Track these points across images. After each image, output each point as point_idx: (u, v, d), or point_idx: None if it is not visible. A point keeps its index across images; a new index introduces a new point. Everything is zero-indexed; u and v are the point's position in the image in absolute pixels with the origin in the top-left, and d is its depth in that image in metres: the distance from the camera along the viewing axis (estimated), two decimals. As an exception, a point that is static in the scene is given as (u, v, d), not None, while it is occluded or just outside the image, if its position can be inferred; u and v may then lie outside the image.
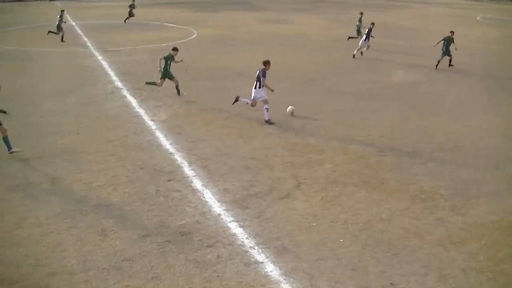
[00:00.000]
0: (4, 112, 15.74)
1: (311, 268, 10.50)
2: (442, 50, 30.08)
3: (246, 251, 11.03)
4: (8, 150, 16.20)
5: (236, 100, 20.48)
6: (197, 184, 14.22)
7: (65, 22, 38.79)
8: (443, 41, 30.12)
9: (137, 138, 17.85)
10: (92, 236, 11.66)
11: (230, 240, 11.46)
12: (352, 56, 32.69)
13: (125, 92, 23.73)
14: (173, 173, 14.88)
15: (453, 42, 29.98)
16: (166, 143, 17.27)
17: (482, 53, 36.78)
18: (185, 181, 14.39)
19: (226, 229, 11.95)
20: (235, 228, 11.96)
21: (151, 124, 19.25)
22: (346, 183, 14.52)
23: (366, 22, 34.57)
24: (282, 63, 28.37)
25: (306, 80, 26.85)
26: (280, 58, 29.39)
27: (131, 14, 48.23)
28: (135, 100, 22.28)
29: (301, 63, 31.12)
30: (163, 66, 22.43)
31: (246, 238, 11.55)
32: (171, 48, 22.89)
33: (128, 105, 21.73)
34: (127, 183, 14.29)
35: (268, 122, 19.56)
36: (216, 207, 12.97)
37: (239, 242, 11.38)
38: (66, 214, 12.61)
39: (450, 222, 12.58)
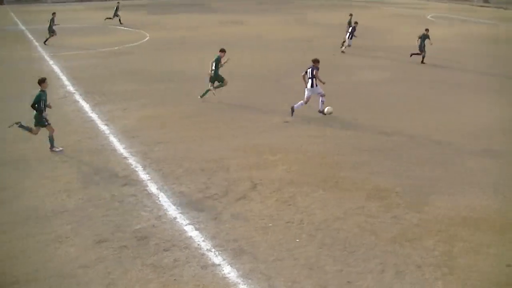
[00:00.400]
0: None
1: (268, 269, 10.48)
2: (419, 46, 31.69)
3: (203, 254, 10.97)
4: (51, 148, 16.88)
5: (293, 110, 20.77)
6: (152, 187, 14.11)
7: (56, 25, 38.35)
8: (420, 38, 31.70)
9: (90, 143, 17.64)
10: (47, 244, 11.48)
11: (187, 243, 11.38)
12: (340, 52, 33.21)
13: (77, 96, 23.44)
14: (128, 178, 14.75)
15: (428, 38, 31.62)
16: (120, 148, 17.11)
17: (435, 51, 37.21)
18: (140, 185, 14.27)
19: (182, 232, 11.87)
20: (192, 231, 11.89)
21: (104, 128, 19.05)
22: (302, 183, 14.54)
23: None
24: (239, 64, 28.33)
25: (264, 80, 26.86)
26: (237, 59, 29.29)
27: (116, 15, 48.46)
28: (87, 105, 22.03)
29: (259, 63, 31.14)
30: (213, 69, 22.31)
31: (203, 240, 11.49)
32: (219, 50, 22.75)
33: (80, 109, 21.48)
34: (81, 189, 14.12)
35: (322, 112, 20.78)
36: (172, 210, 12.88)
37: (196, 245, 11.31)
38: (20, 222, 12.39)
39: (406, 219, 12.68)
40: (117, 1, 50.28)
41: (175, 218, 12.50)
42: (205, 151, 16.93)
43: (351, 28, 35.41)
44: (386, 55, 34.39)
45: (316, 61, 21.00)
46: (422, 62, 31.89)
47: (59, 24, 38.96)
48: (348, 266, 10.64)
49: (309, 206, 13.20)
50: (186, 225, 12.17)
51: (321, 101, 20.90)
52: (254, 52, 35.24)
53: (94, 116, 20.52)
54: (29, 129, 16.86)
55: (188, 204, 13.19)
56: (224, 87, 22.84)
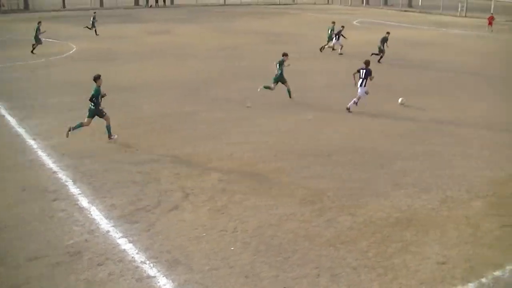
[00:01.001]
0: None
1: (204, 278, 10.43)
2: (380, 48, 35.37)
3: (138, 267, 10.85)
4: (109, 137, 18.62)
5: (349, 109, 22.71)
6: (83, 201, 13.87)
7: (42, 33, 38.31)
8: (382, 40, 35.41)
9: (18, 158, 17.24)
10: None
11: (121, 257, 11.23)
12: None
13: (2, 111, 22.88)
14: (58, 192, 14.45)
15: (386, 41, 35.47)
16: (49, 162, 16.77)
17: (361, 56, 37.80)
18: (71, 200, 14.01)
19: (115, 245, 11.71)
20: (125, 244, 11.74)
21: (32, 143, 18.64)
22: (234, 191, 14.55)
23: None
24: (167, 74, 28.29)
25: (190, 89, 26.78)
26: (165, 69, 29.32)
27: (93, 26, 48.41)
28: (14, 119, 21.53)
29: (185, 72, 31.04)
30: (278, 71, 24.01)
31: (137, 253, 11.36)
32: (282, 54, 24.41)
33: (7, 124, 20.97)
34: (9, 207, 13.74)
35: (348, 110, 22.69)
36: (104, 224, 12.69)
37: (130, 258, 11.17)
38: None
39: (339, 222, 12.82)
40: (93, 11, 51.20)
41: (108, 231, 12.32)
42: (136, 162, 16.75)
43: (338, 31, 38.84)
44: (314, 60, 34.77)
45: (367, 63, 22.95)
46: (378, 61, 34.71)
47: (45, 32, 38.62)
48: (284, 272, 10.67)
49: (242, 214, 13.21)
50: (119, 238, 12.01)
51: (355, 101, 22.75)
52: (181, 61, 35.12)
53: (21, 130, 20.06)
54: (80, 125, 18.48)
55: (120, 217, 13.02)
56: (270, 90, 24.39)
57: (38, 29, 38.03)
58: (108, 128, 18.63)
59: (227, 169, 16.20)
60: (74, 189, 14.64)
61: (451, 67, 34.68)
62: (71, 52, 38.86)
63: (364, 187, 14.98)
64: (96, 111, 18.39)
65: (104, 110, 18.54)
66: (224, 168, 16.24)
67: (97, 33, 48.24)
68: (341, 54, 38.64)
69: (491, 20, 60.39)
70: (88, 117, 18.48)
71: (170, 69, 31.41)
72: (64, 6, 74.73)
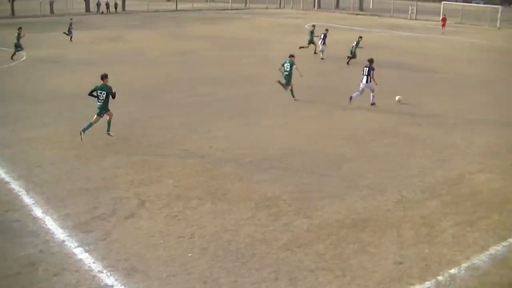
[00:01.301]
0: None
1: (162, 285, 10.36)
2: (351, 51, 37.13)
3: (94, 276, 10.70)
4: (107, 132, 19.46)
5: (351, 98, 24.46)
6: (37, 211, 13.63)
7: (22, 37, 38.40)
8: (355, 43, 37.30)
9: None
10: None
11: (77, 266, 11.06)
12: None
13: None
14: (11, 203, 14.17)
15: (358, 43, 37.28)
16: (1, 172, 16.45)
17: (310, 59, 38.17)
18: (25, 210, 13.75)
19: (71, 255, 11.54)
20: (81, 254, 11.57)
21: (-18, 154, 18.30)
22: (190, 197, 14.49)
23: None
24: (119, 81, 27.94)
25: (143, 95, 26.60)
26: (117, 76, 28.89)
27: (70, 32, 48.29)
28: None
29: (139, 79, 30.77)
30: (287, 71, 25.21)
31: (93, 262, 11.21)
32: (289, 56, 25.72)
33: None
34: (-39, 218, 13.48)
35: (373, 104, 24.81)
36: (59, 233, 12.49)
37: (86, 268, 11.02)
38: None
39: (296, 225, 12.87)
40: (70, 18, 51.41)
41: (63, 241, 12.13)
42: (90, 170, 16.55)
43: (322, 35, 39.33)
44: (267, 64, 34.83)
45: (371, 61, 24.68)
46: (349, 60, 36.94)
47: (23, 36, 38.63)
48: (242, 277, 10.66)
49: (199, 220, 13.16)
50: (75, 247, 11.83)
51: (372, 95, 24.78)
52: (134, 67, 34.85)
53: (-30, 142, 19.67)
54: (90, 125, 19.25)
55: (75, 226, 12.84)
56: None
57: (19, 35, 38.08)
58: (109, 124, 19.47)
59: (182, 175, 16.12)
60: (27, 199, 14.38)
61: (409, 68, 35.16)
62: (21, 60, 38.23)
63: (320, 189, 15.07)
64: (104, 107, 19.32)
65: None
66: (180, 174, 16.15)
67: (72, 39, 48.02)
68: (322, 59, 38.87)
69: (444, 22, 61.57)
70: (98, 114, 19.37)
71: (123, 75, 31.08)
72: (13, 14, 73.60)
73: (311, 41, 40.81)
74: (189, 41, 47.45)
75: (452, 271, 11.02)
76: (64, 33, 48.69)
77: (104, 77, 19.47)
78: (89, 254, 11.55)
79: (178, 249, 11.76)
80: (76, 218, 13.22)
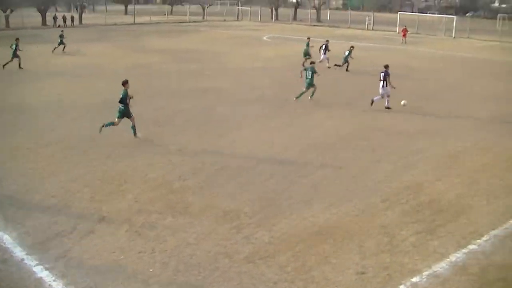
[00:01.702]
0: None
1: (123, 302, 10.23)
2: (344, 58, 38.94)
3: (54, 294, 10.54)
4: (135, 135, 20.92)
5: (372, 101, 26.38)
6: (-6, 230, 13.39)
7: (21, 50, 39.68)
8: (348, 52, 38.96)
9: None
10: None
11: (37, 285, 10.83)
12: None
13: None
14: (-34, 222, 13.91)
15: (351, 53, 39.09)
16: (-45, 191, 16.11)
17: (266, 72, 38.31)
18: (-20, 229, 13.50)
19: (31, 274, 11.29)
20: (41, 272, 11.33)
21: None
22: (150, 211, 14.34)
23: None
24: (77, 94, 27.77)
25: (100, 109, 26.29)
26: (75, 89, 28.76)
27: (61, 43, 48.90)
28: None
29: (96, 92, 30.38)
30: (309, 77, 27.22)
31: (54, 280, 10.99)
32: (309, 62, 29.04)
33: None
34: None
35: (388, 108, 26.29)
36: (18, 252, 12.22)
37: (47, 286, 10.80)
38: None
39: (257, 238, 12.82)
40: (61, 30, 53.14)
41: (22, 259, 11.89)
42: (49, 185, 16.27)
43: (324, 46, 40.56)
44: (225, 76, 34.86)
45: (387, 67, 26.19)
46: (337, 68, 38.78)
47: (22, 50, 39.89)
48: (204, 291, 10.59)
49: (160, 234, 13.03)
50: (34, 266, 11.60)
51: (387, 100, 26.24)
52: (92, 80, 34.47)
53: None
54: (111, 124, 20.75)
55: (34, 243, 12.58)
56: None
57: (16, 46, 39.02)
58: (134, 128, 20.86)
59: (142, 189, 15.95)
60: (-17, 218, 14.11)
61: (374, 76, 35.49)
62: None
63: (282, 201, 15.05)
64: (125, 112, 20.61)
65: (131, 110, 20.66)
66: (140, 189, 15.98)
67: (64, 50, 48.87)
68: (329, 67, 39.25)
69: (405, 32, 62.36)
70: (118, 117, 20.68)
71: (80, 89, 30.81)
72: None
73: (307, 53, 40.73)
74: (147, 54, 47.22)
75: (414, 279, 11.09)
76: (58, 46, 49.11)
77: (124, 83, 20.86)
78: (49, 272, 11.32)
79: (139, 265, 11.62)
80: (35, 236, 12.97)
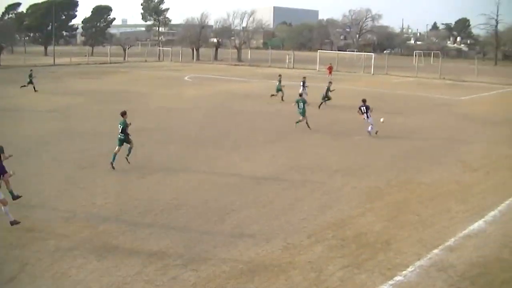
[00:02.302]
0: None
1: None
2: (325, 95, 41.74)
3: None
4: (127, 156, 22.71)
5: (369, 133, 30.12)
6: None
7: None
8: (327, 89, 41.85)
9: None
10: None
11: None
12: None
13: None
14: None
15: (329, 89, 41.97)
16: None
17: (186, 113, 38.37)
18: None
19: None
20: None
21: None
22: (75, 255, 14.05)
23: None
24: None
25: (19, 153, 25.73)
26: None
27: (30, 82, 49.92)
28: None
29: (15, 134, 29.77)
30: (301, 108, 31.35)
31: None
32: (299, 94, 33.85)
33: None
34: None
35: (376, 132, 30.15)
36: None
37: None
38: None
39: (184, 279, 12.74)
40: (30, 69, 53.60)
41: None
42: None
43: (302, 82, 44.16)
44: (149, 115, 34.71)
45: (365, 101, 30.60)
46: (322, 103, 41.21)
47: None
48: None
49: (85, 279, 12.78)
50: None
51: (371, 128, 30.06)
52: (9, 123, 33.72)
53: None
54: (114, 155, 22.50)
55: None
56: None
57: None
58: (130, 150, 22.71)
59: (66, 233, 15.61)
60: None
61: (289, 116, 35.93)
62: None
63: (207, 240, 15.00)
64: (125, 139, 22.53)
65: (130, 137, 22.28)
66: (63, 233, 15.64)
67: (36, 89, 49.54)
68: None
69: (330, 70, 63.48)
70: (119, 145, 22.51)
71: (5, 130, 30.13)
72: None
73: (279, 89, 44.42)
74: (68, 96, 46.55)
75: (342, 314, 11.18)
76: (23, 86, 49.97)
77: (123, 114, 22.57)
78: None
79: (64, 311, 11.36)
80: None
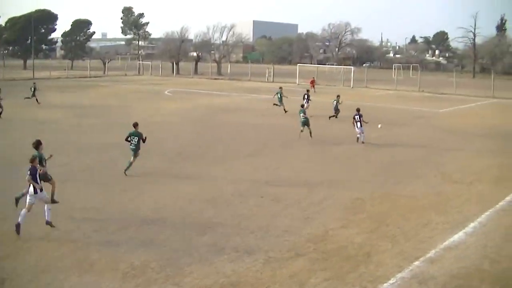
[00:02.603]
0: None
1: None
2: (334, 107, 42.54)
3: None
4: (126, 169, 23.41)
5: (363, 142, 31.92)
6: None
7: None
8: (336, 102, 42.70)
9: None
10: None
11: None
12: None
13: None
14: None
15: (339, 101, 42.77)
16: None
17: (167, 126, 38.30)
18: None
19: None
20: None
21: None
22: (55, 270, 13.90)
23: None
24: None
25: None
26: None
27: (34, 94, 51.48)
28: None
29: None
30: (303, 118, 33.02)
31: None
32: (301, 105, 35.18)
33: None
34: None
35: (363, 142, 31.96)
36: None
37: None
38: None
39: (165, 293, 12.64)
40: (33, 82, 55.81)
41: None
42: None
43: (305, 95, 46.23)
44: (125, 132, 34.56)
45: (359, 110, 32.39)
46: (330, 117, 41.89)
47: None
48: None
49: (65, 294, 12.65)
50: None
51: (362, 135, 31.97)
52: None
53: None
54: (130, 164, 23.47)
55: None
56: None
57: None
58: (130, 163, 23.41)
59: (46, 248, 15.47)
60: None
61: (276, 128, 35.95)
62: None
63: (188, 255, 14.92)
64: (138, 149, 23.53)
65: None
66: (43, 248, 15.49)
67: (39, 101, 51.14)
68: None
69: (313, 84, 63.67)
70: (135, 156, 23.53)
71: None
72: None
73: (281, 101, 46.13)
74: (47, 110, 46.28)
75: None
76: (27, 97, 51.21)
77: (135, 125, 23.68)
78: None
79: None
80: None
